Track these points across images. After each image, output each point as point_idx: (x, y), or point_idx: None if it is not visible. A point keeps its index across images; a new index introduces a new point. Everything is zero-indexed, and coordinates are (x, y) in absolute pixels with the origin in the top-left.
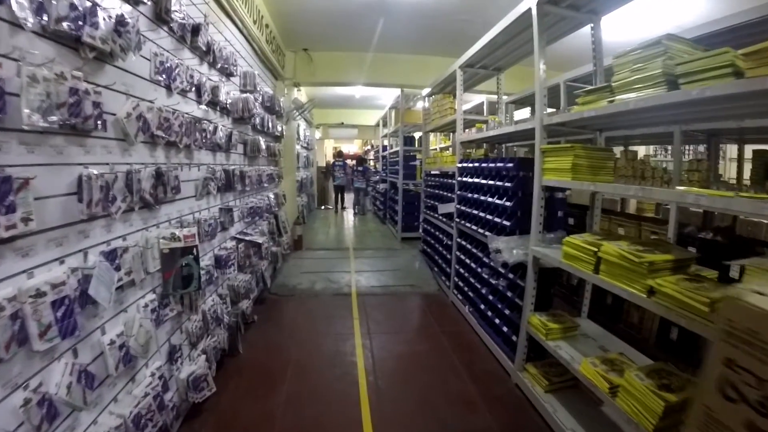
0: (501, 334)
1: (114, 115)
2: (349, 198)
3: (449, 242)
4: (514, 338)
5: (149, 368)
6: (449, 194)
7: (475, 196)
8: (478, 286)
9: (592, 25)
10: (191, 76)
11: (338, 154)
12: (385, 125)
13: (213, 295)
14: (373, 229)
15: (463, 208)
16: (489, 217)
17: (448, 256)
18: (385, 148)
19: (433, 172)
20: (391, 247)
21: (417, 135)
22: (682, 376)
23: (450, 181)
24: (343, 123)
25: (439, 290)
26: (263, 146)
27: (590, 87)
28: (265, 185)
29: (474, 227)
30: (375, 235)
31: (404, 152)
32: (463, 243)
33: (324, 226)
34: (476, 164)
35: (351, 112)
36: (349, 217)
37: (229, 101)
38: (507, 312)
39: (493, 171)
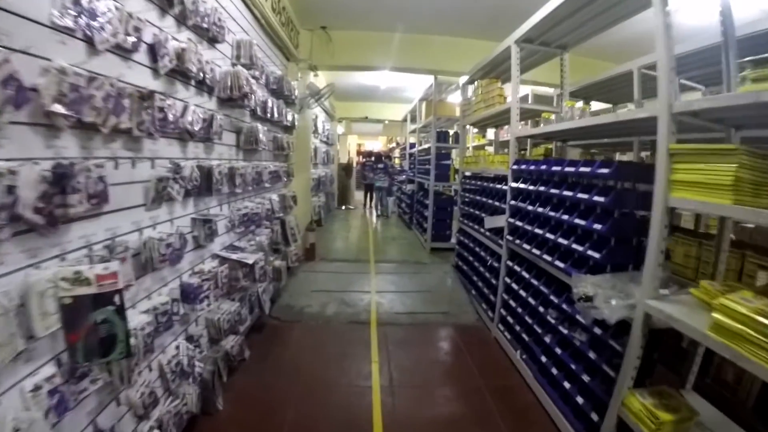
0: (571, 402)
1: None
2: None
3: (495, 264)
4: (594, 417)
5: None
6: (496, 203)
7: (540, 210)
8: (538, 330)
9: None
10: (137, 29)
11: (368, 154)
12: (413, 120)
13: (178, 341)
14: (397, 236)
15: (519, 223)
16: (563, 241)
17: (493, 281)
18: (412, 145)
19: (472, 174)
20: (418, 260)
21: (450, 131)
22: None
23: (497, 186)
24: (367, 117)
25: (479, 320)
26: (263, 137)
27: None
28: (267, 185)
29: (536, 251)
30: (400, 244)
31: (437, 150)
32: (517, 269)
33: (343, 229)
34: (542, 167)
35: (376, 106)
36: (371, 219)
37: (209, 74)
38: (585, 378)
39: (573, 178)
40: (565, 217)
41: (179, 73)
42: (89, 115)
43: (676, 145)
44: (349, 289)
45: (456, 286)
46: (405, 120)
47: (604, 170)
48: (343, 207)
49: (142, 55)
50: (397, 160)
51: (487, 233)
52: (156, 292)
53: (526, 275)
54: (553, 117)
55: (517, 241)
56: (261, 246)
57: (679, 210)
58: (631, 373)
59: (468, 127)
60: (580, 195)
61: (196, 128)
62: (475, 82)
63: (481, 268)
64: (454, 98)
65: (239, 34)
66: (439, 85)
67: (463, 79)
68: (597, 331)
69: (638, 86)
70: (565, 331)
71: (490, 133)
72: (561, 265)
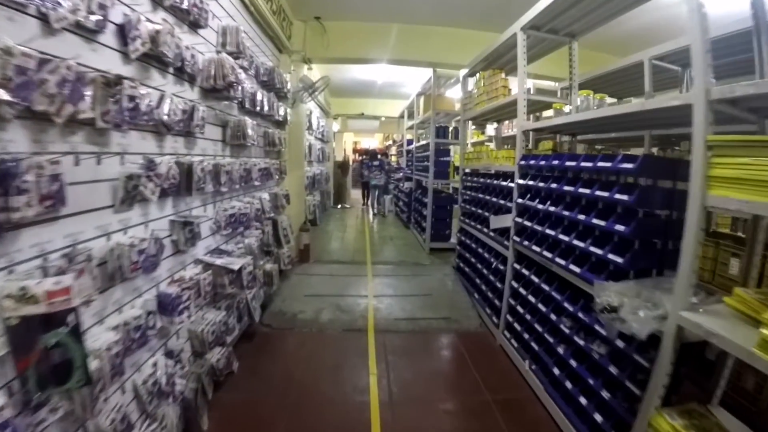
0: (588, 420)
1: None
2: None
3: (500, 266)
4: None
5: None
6: (500, 201)
7: (552, 209)
8: (550, 340)
9: None
10: (103, 7)
11: (364, 152)
12: (410, 116)
13: (155, 357)
14: (395, 235)
15: (527, 223)
16: (578, 243)
17: (498, 285)
18: (410, 141)
19: (473, 171)
20: (417, 261)
21: (450, 127)
22: None
23: (502, 183)
24: (363, 114)
25: (482, 326)
26: (252, 131)
27: None
28: (257, 183)
29: (548, 254)
30: (397, 244)
31: (436, 146)
32: (525, 272)
33: (339, 229)
34: (553, 163)
35: (372, 102)
36: (368, 218)
37: (189, 60)
38: (605, 394)
39: (590, 174)
40: (581, 217)
41: (154, 59)
42: (40, 102)
43: (716, 137)
44: (345, 293)
45: (457, 289)
46: (402, 116)
47: (628, 165)
48: (339, 206)
49: (109, 37)
50: (393, 158)
51: (491, 233)
52: (128, 304)
53: (536, 279)
54: (566, 108)
55: (526, 243)
56: (250, 249)
57: (714, 209)
58: (659, 391)
59: (471, 121)
60: (598, 193)
61: (174, 120)
62: (477, 75)
63: (485, 271)
64: (453, 93)
65: (225, 20)
66: (438, 78)
67: (464, 72)
68: (619, 343)
69: (649, 78)
70: (582, 342)
71: (490, 129)
72: (576, 269)
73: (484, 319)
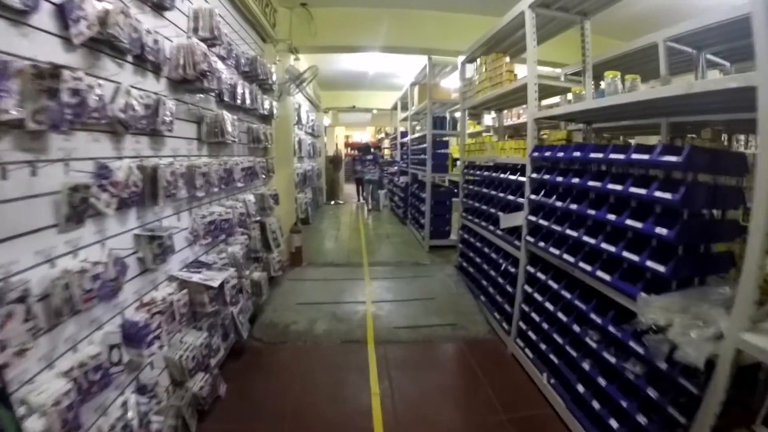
0: None
1: None
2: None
3: (511, 268)
4: None
5: None
6: (509, 197)
7: (574, 206)
8: (572, 353)
9: None
10: None
11: (356, 146)
12: (404, 108)
13: (125, 395)
14: (391, 233)
15: (543, 222)
16: (607, 247)
17: (509, 289)
18: (404, 133)
19: (476, 164)
20: (417, 261)
21: (448, 117)
22: None
23: (510, 177)
24: (354, 107)
25: (491, 332)
26: (232, 127)
27: None
28: (240, 184)
29: (569, 258)
30: (395, 242)
31: (433, 137)
32: (541, 277)
33: (332, 227)
34: (575, 155)
35: (363, 94)
36: (363, 214)
37: (151, 46)
38: (641, 419)
39: (620, 168)
40: (611, 217)
41: (106, 44)
42: None
43: None
44: (341, 300)
45: (462, 291)
46: (395, 108)
47: (673, 158)
48: (333, 202)
49: (44, 19)
50: (387, 151)
51: (499, 232)
52: (85, 340)
53: (554, 285)
54: (585, 92)
55: (541, 244)
56: (234, 259)
57: None
58: (710, 421)
59: (467, 111)
60: (633, 190)
61: (134, 117)
62: (477, 60)
63: (492, 272)
64: (448, 83)
65: (197, 2)
66: (433, 66)
67: (461, 58)
68: (661, 365)
69: (665, 60)
70: (612, 360)
71: (488, 119)
72: (605, 277)
73: (492, 324)
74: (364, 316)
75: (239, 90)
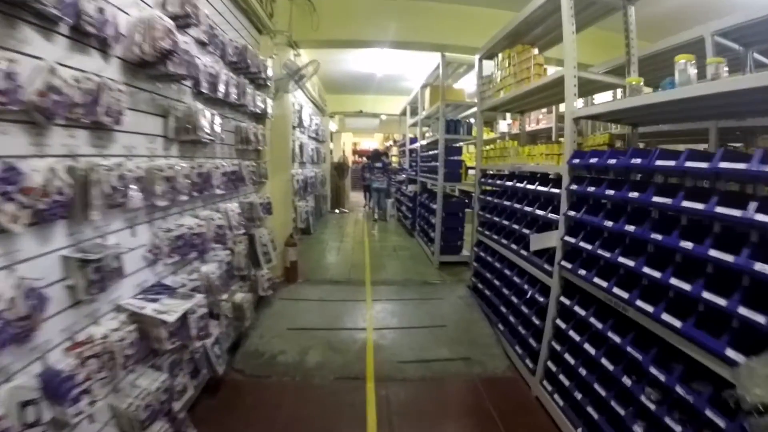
0: None
1: None
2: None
3: (539, 297)
4: None
5: None
6: (537, 211)
7: (629, 228)
8: (619, 410)
9: None
10: None
11: (366, 154)
12: (413, 113)
13: None
14: (398, 245)
15: (585, 245)
16: (679, 284)
17: (535, 320)
18: (413, 140)
19: (497, 172)
20: (426, 280)
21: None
22: None
23: (539, 188)
24: (362, 111)
25: (510, 368)
26: (209, 123)
27: None
28: (220, 191)
29: (621, 293)
30: (402, 256)
31: (446, 143)
32: (579, 311)
33: (334, 238)
34: (634, 162)
35: (371, 99)
36: (368, 224)
37: (95, 17)
38: None
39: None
40: (686, 245)
41: (22, 7)
42: None
43: None
44: (338, 326)
45: (476, 317)
46: (404, 113)
47: None
48: (337, 210)
49: None
50: (395, 158)
51: (524, 252)
52: None
53: (597, 324)
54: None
55: (582, 272)
56: (208, 281)
57: None
58: None
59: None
60: (721, 210)
61: (63, 103)
62: (499, 56)
63: (514, 298)
64: (462, 84)
65: None
66: (447, 65)
67: (478, 55)
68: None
69: (713, 53)
70: (678, 429)
71: (503, 125)
72: (674, 323)
73: (513, 359)
74: (364, 346)
75: (223, 81)
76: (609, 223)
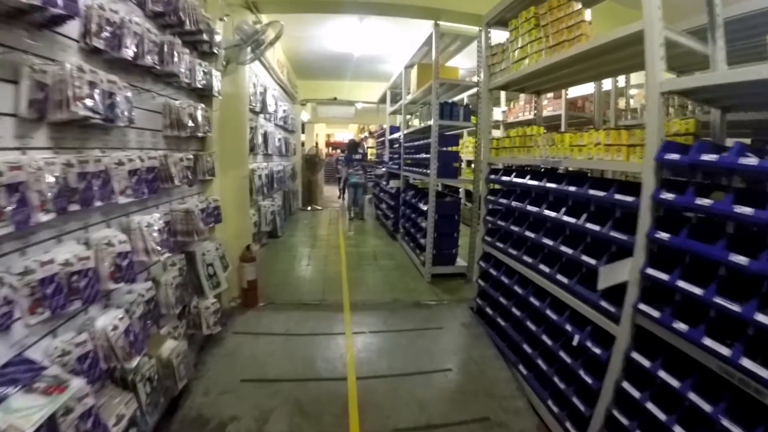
0: None
1: None
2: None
3: (594, 348)
4: None
5: None
6: (587, 225)
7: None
8: None
9: None
10: None
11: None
12: (394, 100)
13: None
14: (380, 252)
15: (684, 285)
16: None
17: (584, 376)
18: (394, 129)
19: (514, 167)
20: (418, 300)
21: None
22: None
23: (599, 194)
24: (336, 98)
25: (541, 427)
26: (93, 94)
27: None
28: (125, 199)
29: (748, 365)
30: (385, 267)
31: (440, 129)
32: (667, 379)
33: (306, 242)
34: None
35: (347, 85)
36: (344, 224)
37: None
38: None
39: None
40: None
41: None
42: None
43: None
44: (310, 374)
45: (487, 354)
46: (383, 100)
47: None
48: (309, 208)
49: None
50: (371, 150)
51: (562, 277)
52: None
53: (698, 401)
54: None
55: (682, 327)
56: (106, 342)
57: None
58: None
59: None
60: None
61: None
62: (520, 16)
63: (545, 337)
64: (455, 62)
65: None
66: (441, 36)
67: (485, 21)
68: None
69: None
70: None
71: (497, 112)
72: None
73: (543, 416)
74: (345, 406)
75: (132, 34)
76: (741, 259)
